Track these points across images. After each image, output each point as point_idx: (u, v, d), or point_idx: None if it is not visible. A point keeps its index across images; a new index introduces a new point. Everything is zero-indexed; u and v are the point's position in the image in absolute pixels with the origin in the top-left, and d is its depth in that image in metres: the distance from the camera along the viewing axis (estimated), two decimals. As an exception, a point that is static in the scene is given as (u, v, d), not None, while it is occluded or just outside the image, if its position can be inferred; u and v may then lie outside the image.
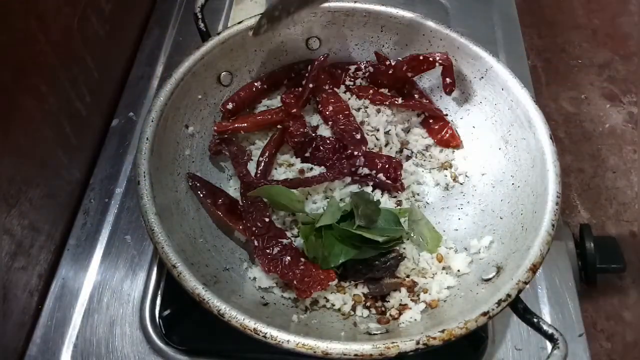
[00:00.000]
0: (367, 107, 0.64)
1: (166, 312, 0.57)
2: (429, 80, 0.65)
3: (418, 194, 0.61)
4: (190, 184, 0.56)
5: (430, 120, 0.64)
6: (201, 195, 0.56)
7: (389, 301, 0.53)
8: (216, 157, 0.61)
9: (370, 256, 0.52)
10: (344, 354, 0.41)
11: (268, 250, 0.52)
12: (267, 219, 0.54)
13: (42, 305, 0.57)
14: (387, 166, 0.58)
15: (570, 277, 0.60)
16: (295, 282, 0.50)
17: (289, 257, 0.52)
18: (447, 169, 0.62)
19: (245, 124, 0.61)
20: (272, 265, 0.51)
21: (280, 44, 0.64)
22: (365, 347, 0.41)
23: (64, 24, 0.60)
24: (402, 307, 0.52)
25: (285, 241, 0.53)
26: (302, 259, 0.52)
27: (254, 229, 0.53)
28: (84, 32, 0.64)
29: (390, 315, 0.52)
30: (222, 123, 0.61)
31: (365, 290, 0.53)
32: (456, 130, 0.63)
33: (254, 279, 0.53)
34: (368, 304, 0.53)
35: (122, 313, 0.57)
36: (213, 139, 0.60)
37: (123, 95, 0.74)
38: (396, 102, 0.63)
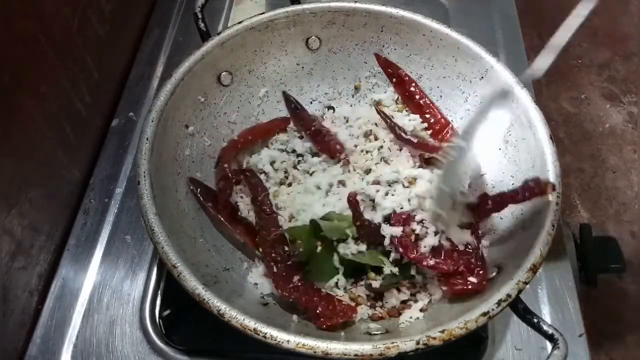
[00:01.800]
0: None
1: (166, 312, 0.58)
2: (428, 80, 0.64)
3: (418, 194, 0.61)
4: (190, 188, 0.56)
5: (432, 121, 0.64)
6: (202, 199, 0.55)
7: (388, 301, 0.53)
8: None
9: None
10: (344, 354, 0.41)
11: (285, 274, 0.51)
12: (287, 247, 0.52)
13: (42, 305, 0.57)
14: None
15: (570, 277, 0.60)
16: (319, 309, 0.49)
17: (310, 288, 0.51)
18: (447, 169, 0.62)
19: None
20: (293, 290, 0.50)
21: (281, 43, 0.64)
22: (365, 347, 0.41)
23: (64, 24, 0.60)
24: (402, 307, 0.52)
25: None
26: (322, 289, 0.51)
27: (273, 254, 0.52)
28: (84, 32, 0.64)
29: (390, 315, 0.52)
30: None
31: (365, 289, 0.53)
32: (457, 131, 0.63)
33: (255, 285, 0.53)
34: (368, 303, 0.53)
35: (122, 313, 0.57)
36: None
37: (123, 95, 0.74)
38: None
